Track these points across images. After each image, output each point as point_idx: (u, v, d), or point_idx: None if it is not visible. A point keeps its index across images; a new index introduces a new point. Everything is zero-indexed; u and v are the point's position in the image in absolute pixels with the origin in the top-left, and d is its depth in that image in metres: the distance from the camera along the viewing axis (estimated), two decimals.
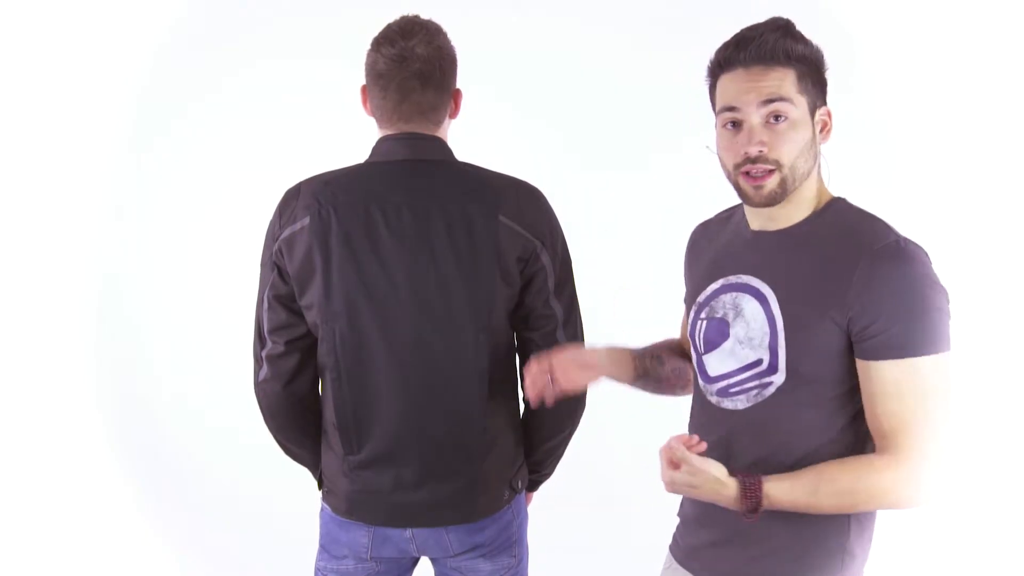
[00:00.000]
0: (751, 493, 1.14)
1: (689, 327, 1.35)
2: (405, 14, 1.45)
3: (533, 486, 1.68)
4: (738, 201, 1.29)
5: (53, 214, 2.82)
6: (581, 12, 2.81)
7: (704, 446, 1.16)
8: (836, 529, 1.22)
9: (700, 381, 1.32)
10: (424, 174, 1.41)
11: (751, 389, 1.23)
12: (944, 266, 2.84)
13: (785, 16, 1.23)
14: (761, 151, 1.16)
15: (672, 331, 1.57)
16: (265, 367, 1.48)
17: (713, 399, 1.29)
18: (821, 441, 1.20)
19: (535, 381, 1.32)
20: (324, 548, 1.59)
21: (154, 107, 2.87)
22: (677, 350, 1.50)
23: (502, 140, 2.49)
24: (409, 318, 1.39)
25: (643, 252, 2.76)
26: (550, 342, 1.47)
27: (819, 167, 1.23)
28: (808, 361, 1.17)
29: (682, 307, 1.51)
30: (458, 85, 1.48)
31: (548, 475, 1.67)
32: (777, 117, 1.16)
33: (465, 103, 1.50)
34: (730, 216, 1.40)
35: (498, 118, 2.60)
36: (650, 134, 2.76)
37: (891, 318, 1.11)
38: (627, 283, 2.71)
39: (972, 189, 2.74)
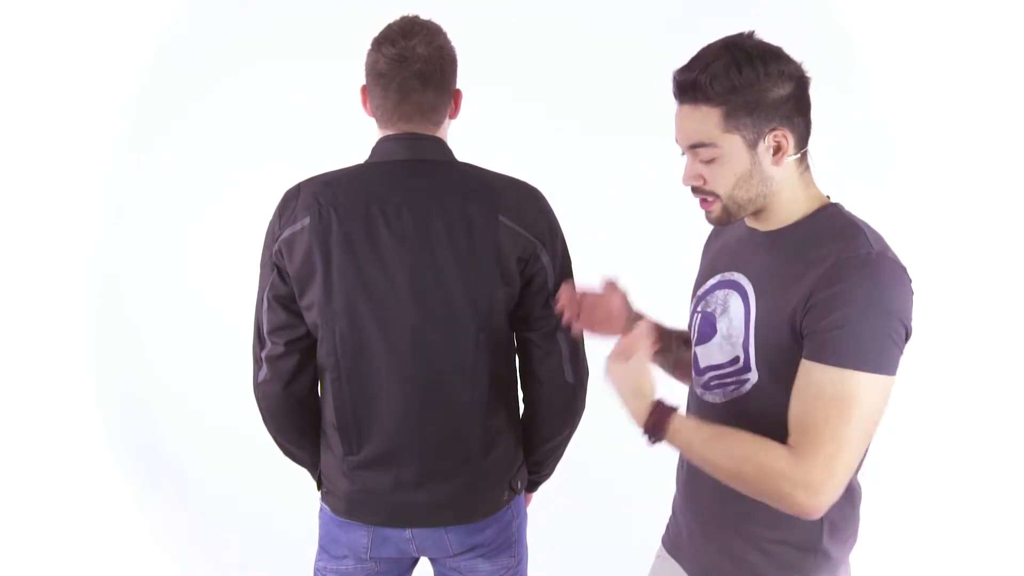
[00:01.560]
0: (659, 414, 1.17)
1: (689, 319, 1.37)
2: (405, 14, 1.45)
3: (533, 486, 1.68)
4: None
5: (53, 214, 2.82)
6: (581, 12, 2.81)
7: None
8: (807, 527, 1.22)
9: (692, 372, 1.35)
10: (424, 174, 1.40)
11: (729, 385, 1.25)
12: (944, 266, 2.87)
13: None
14: (696, 184, 1.20)
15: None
16: (265, 368, 1.48)
17: (699, 391, 1.33)
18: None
19: (567, 305, 1.41)
20: (324, 548, 1.59)
21: (154, 107, 2.87)
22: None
23: (502, 140, 2.50)
24: (409, 318, 1.39)
25: (643, 252, 2.76)
26: (550, 342, 1.47)
27: (801, 174, 1.21)
28: (774, 360, 1.18)
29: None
30: (458, 85, 1.48)
31: (548, 475, 1.67)
32: (706, 157, 1.17)
33: (465, 103, 1.50)
34: None
35: (498, 118, 2.60)
36: (650, 134, 2.76)
37: (835, 324, 1.09)
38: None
39: (972, 189, 2.74)
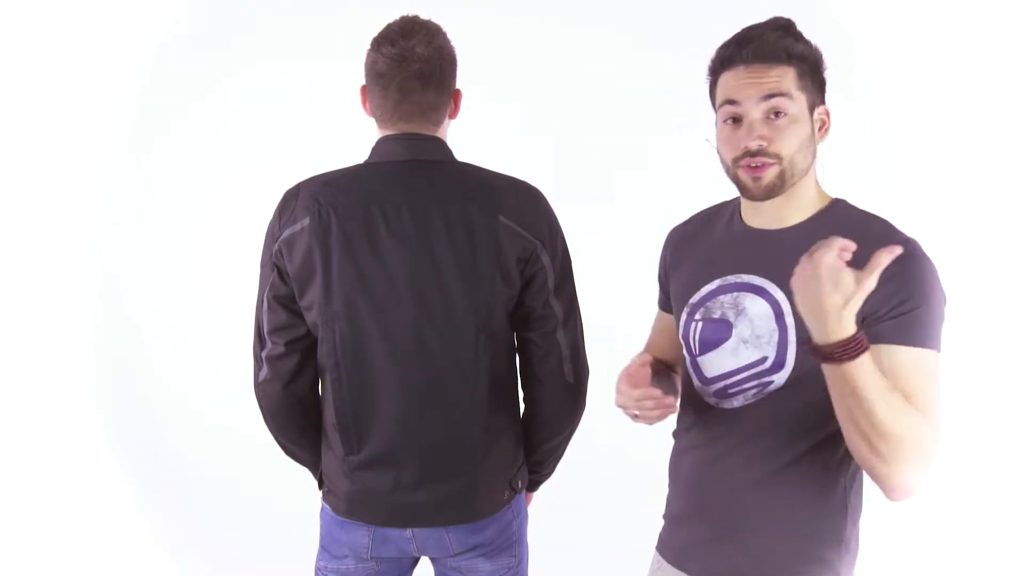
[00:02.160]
0: (858, 344, 1.05)
1: (682, 329, 1.34)
2: (405, 14, 1.45)
3: (533, 486, 1.68)
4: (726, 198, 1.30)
5: (53, 214, 2.82)
6: (581, 12, 2.81)
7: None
8: (834, 518, 1.22)
9: (695, 383, 1.32)
10: (424, 174, 1.40)
11: (750, 389, 1.23)
12: (943, 265, 2.84)
13: (786, 16, 1.24)
14: (761, 145, 1.18)
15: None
16: (265, 368, 1.48)
17: (711, 400, 1.29)
18: (817, 439, 1.20)
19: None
20: (324, 548, 1.59)
21: (154, 107, 2.87)
22: (664, 368, 1.49)
23: (502, 140, 2.49)
24: (409, 318, 1.39)
25: (643, 252, 2.75)
26: (550, 342, 1.47)
27: (815, 168, 1.25)
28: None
29: (653, 313, 1.52)
30: (458, 85, 1.47)
31: (548, 475, 1.67)
32: (777, 113, 1.19)
33: (465, 103, 1.50)
34: (712, 217, 1.40)
35: (498, 118, 2.60)
36: (651, 134, 2.76)
37: (910, 305, 1.12)
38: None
39: (972, 189, 2.74)
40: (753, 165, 1.19)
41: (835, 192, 1.32)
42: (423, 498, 1.46)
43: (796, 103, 1.18)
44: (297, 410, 1.51)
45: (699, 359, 1.30)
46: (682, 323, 1.34)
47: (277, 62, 2.82)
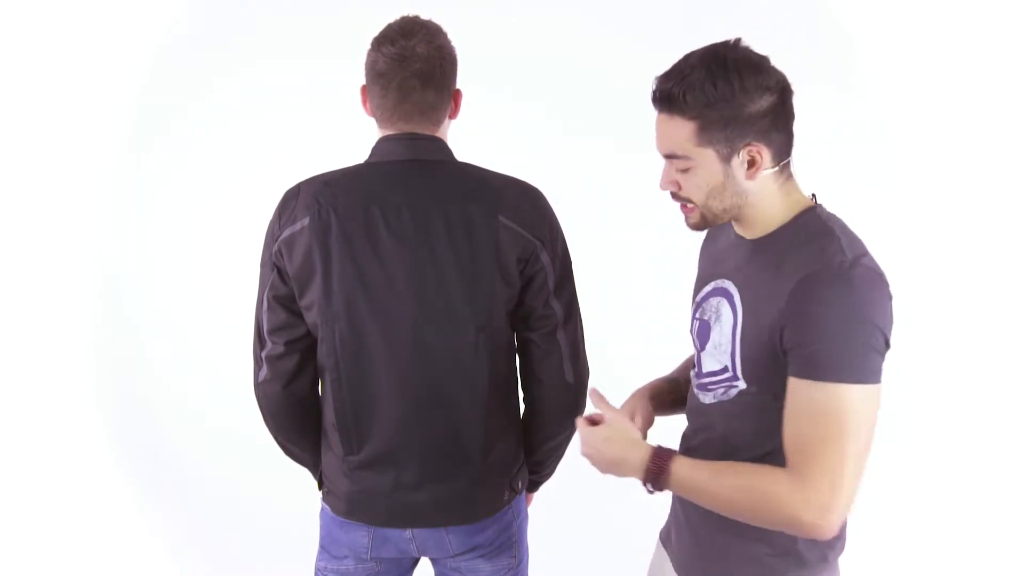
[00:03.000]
0: (660, 459, 1.16)
1: (690, 325, 1.37)
2: (405, 14, 1.45)
3: (533, 486, 1.68)
4: None
5: (53, 214, 2.82)
6: (581, 11, 2.81)
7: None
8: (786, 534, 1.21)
9: (693, 377, 1.36)
10: (424, 174, 1.40)
11: (719, 389, 1.26)
12: (944, 265, 2.86)
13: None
14: (671, 190, 1.22)
15: (671, 329, 1.57)
16: (265, 368, 1.48)
17: (696, 391, 1.33)
18: (769, 448, 1.19)
19: None
20: (324, 548, 1.59)
21: (154, 107, 2.87)
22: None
23: (502, 140, 2.50)
24: (409, 318, 1.39)
25: (643, 252, 2.76)
26: (550, 342, 1.47)
27: (781, 184, 1.21)
28: (759, 372, 1.18)
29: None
30: (458, 85, 1.48)
31: (548, 475, 1.67)
32: (680, 167, 1.18)
33: (465, 103, 1.50)
34: None
35: (498, 118, 2.60)
36: (650, 134, 2.76)
37: (814, 339, 1.08)
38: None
39: (972, 189, 2.74)
40: (680, 204, 1.23)
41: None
42: (423, 498, 1.46)
43: (695, 159, 1.16)
44: (297, 410, 1.51)
45: (698, 354, 1.33)
46: (690, 320, 1.37)
47: (277, 62, 2.82)
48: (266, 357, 1.47)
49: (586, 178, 2.79)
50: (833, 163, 2.77)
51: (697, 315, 1.33)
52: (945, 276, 2.78)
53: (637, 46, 2.74)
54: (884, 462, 2.86)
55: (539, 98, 2.81)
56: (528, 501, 1.69)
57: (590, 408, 1.32)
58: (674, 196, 1.22)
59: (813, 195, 1.26)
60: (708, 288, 1.31)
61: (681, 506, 1.37)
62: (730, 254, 1.30)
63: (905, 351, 3.02)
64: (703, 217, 1.21)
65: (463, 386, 1.42)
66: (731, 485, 1.14)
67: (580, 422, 1.24)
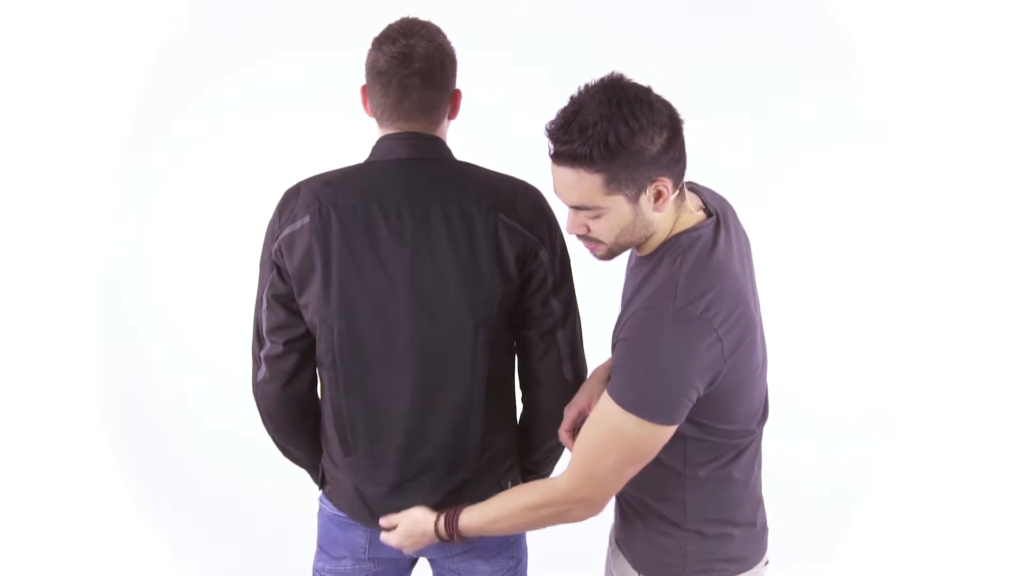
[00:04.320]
0: (448, 525, 1.38)
1: None
2: (406, 15, 1.45)
3: None
4: None
5: (53, 214, 2.83)
6: (583, 10, 2.81)
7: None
8: (671, 506, 1.36)
9: None
10: (424, 173, 1.41)
11: None
12: (943, 265, 2.85)
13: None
14: (579, 232, 1.26)
15: None
16: (263, 367, 1.48)
17: None
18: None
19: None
20: (322, 548, 1.59)
21: (154, 107, 2.88)
22: None
23: (502, 140, 2.50)
24: (408, 317, 1.39)
25: None
26: (549, 341, 1.47)
27: (676, 206, 1.26)
28: None
29: None
30: (457, 86, 1.48)
31: (548, 475, 1.66)
32: (590, 216, 1.22)
33: (465, 104, 1.50)
34: None
35: (498, 119, 2.61)
36: None
37: (619, 364, 1.21)
38: None
39: (972, 188, 2.74)
40: (583, 242, 1.29)
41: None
42: (423, 499, 1.46)
43: (605, 206, 1.20)
44: (295, 410, 1.51)
45: None
46: None
47: (277, 62, 2.83)
48: (265, 357, 1.47)
49: None
50: (833, 163, 2.78)
51: None
52: (945, 275, 2.78)
53: (637, 46, 2.74)
54: (884, 462, 2.87)
55: (540, 98, 2.80)
56: None
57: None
58: (582, 237, 1.28)
59: (706, 205, 1.31)
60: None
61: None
62: (631, 259, 1.41)
63: (905, 349, 3.03)
64: (611, 251, 1.28)
65: (462, 385, 1.42)
66: (509, 510, 1.34)
67: (386, 539, 1.45)
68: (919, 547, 2.66)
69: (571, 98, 1.19)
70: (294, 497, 2.20)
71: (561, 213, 1.57)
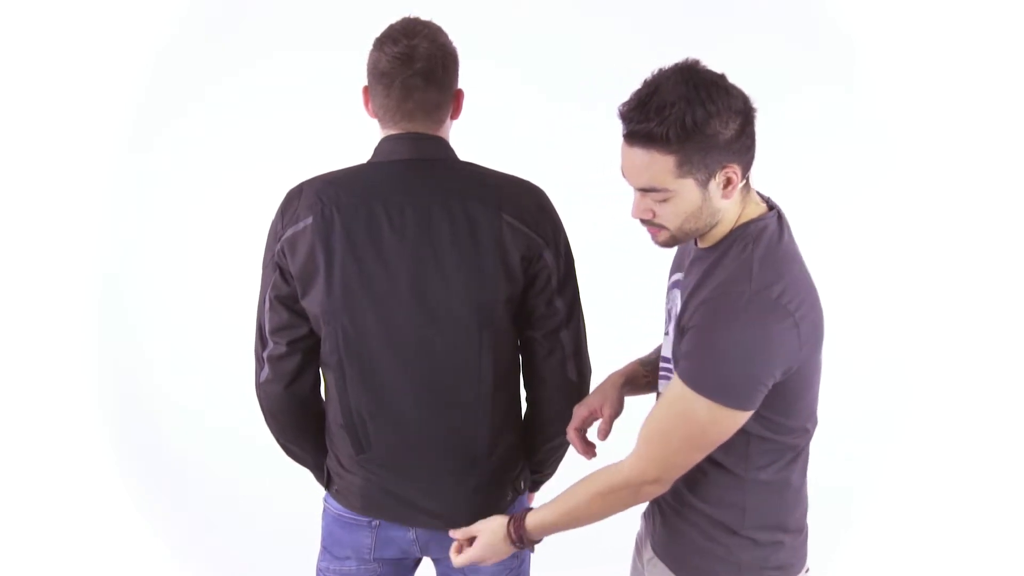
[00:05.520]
0: (513, 524, 1.35)
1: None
2: (407, 15, 1.45)
3: (535, 486, 1.68)
4: None
5: (54, 214, 2.82)
6: (581, 10, 2.82)
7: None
8: (725, 511, 1.32)
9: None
10: (427, 173, 1.41)
11: (667, 377, 1.33)
12: (943, 265, 2.85)
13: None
14: (645, 217, 1.24)
15: None
16: (266, 368, 1.48)
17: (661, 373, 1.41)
18: None
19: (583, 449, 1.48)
20: (326, 549, 1.59)
21: (154, 107, 2.87)
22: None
23: (503, 141, 2.50)
24: (412, 317, 1.39)
25: (645, 251, 2.76)
26: (553, 340, 1.47)
27: (743, 197, 1.25)
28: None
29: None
30: (459, 86, 1.48)
31: (550, 475, 1.67)
32: (658, 199, 1.20)
33: (466, 104, 1.50)
34: None
35: (499, 119, 2.60)
36: None
37: (688, 350, 1.20)
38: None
39: (972, 188, 2.74)
40: (646, 227, 1.27)
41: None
42: (427, 499, 1.46)
43: (675, 190, 1.18)
44: (299, 411, 1.51)
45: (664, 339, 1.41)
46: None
47: (277, 62, 2.83)
48: (268, 357, 1.47)
49: (587, 178, 2.79)
50: (833, 163, 2.78)
51: (666, 305, 1.40)
52: (944, 275, 2.79)
53: (637, 45, 2.74)
54: (883, 462, 2.87)
55: (540, 98, 2.81)
56: (529, 500, 1.70)
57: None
58: (644, 223, 1.25)
59: (766, 199, 1.31)
60: (672, 279, 1.39)
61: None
62: (689, 251, 1.36)
63: (905, 350, 3.03)
64: (673, 238, 1.26)
65: (467, 385, 1.42)
66: (582, 502, 1.31)
67: (453, 555, 1.41)
68: (919, 547, 2.66)
69: (645, 81, 1.18)
70: (294, 497, 2.20)
71: (572, 212, 1.57)
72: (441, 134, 1.45)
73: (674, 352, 1.27)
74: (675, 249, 1.46)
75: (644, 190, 1.20)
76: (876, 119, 2.73)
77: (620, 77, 2.81)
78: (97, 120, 2.83)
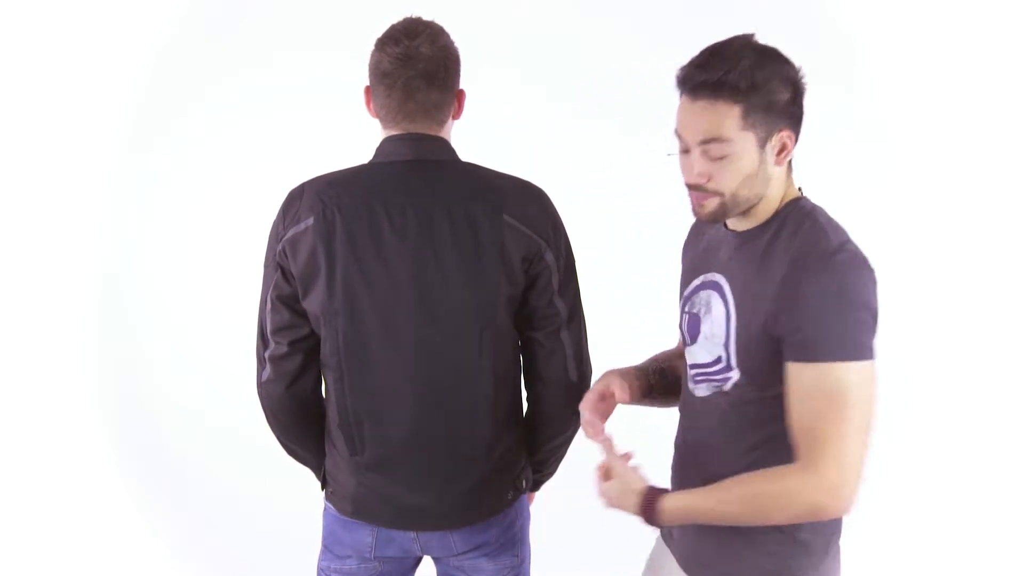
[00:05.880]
0: (648, 498, 1.23)
1: (678, 319, 1.40)
2: (408, 15, 1.45)
3: (536, 486, 1.68)
4: None
5: (54, 214, 2.82)
6: (581, 9, 2.82)
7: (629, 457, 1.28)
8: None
9: (686, 368, 1.38)
10: (428, 174, 1.41)
11: (715, 381, 1.28)
12: (943, 265, 2.85)
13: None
14: (700, 182, 1.20)
15: (674, 326, 1.58)
16: (268, 368, 1.48)
17: (689, 384, 1.35)
18: (771, 432, 1.23)
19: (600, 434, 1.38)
20: (327, 548, 1.59)
21: (154, 107, 2.87)
22: (678, 357, 1.52)
23: (504, 141, 2.50)
24: (413, 318, 1.39)
25: (646, 251, 2.76)
26: (554, 341, 1.47)
27: (788, 173, 1.26)
28: (752, 362, 1.21)
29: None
30: (461, 86, 1.48)
31: (551, 474, 1.67)
32: (717, 154, 1.18)
33: (469, 104, 1.50)
34: None
35: (501, 119, 2.61)
36: (651, 133, 2.76)
37: (806, 322, 1.13)
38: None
39: (972, 188, 2.75)
40: (697, 195, 1.23)
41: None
42: (429, 501, 1.46)
43: (737, 143, 1.17)
44: (300, 411, 1.51)
45: (688, 348, 1.35)
46: (678, 313, 1.40)
47: (278, 62, 2.83)
48: (269, 357, 1.47)
49: (588, 178, 2.79)
50: (833, 163, 2.78)
51: (686, 309, 1.36)
52: (944, 275, 2.79)
53: (637, 45, 2.75)
54: (884, 462, 2.87)
55: (541, 99, 2.81)
56: (530, 500, 1.70)
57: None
58: (696, 188, 1.22)
59: (799, 189, 1.30)
60: (696, 282, 1.34)
61: None
62: (719, 247, 1.33)
63: (904, 349, 3.03)
64: (723, 206, 1.22)
65: (467, 385, 1.42)
66: (739, 498, 1.18)
67: (597, 473, 1.31)
68: (919, 548, 2.66)
69: (705, 48, 1.20)
70: (294, 497, 2.20)
71: (573, 213, 1.57)
72: (443, 135, 1.45)
73: (745, 350, 1.21)
74: (679, 255, 1.45)
75: (706, 141, 1.18)
76: (876, 119, 2.73)
77: (620, 77, 2.85)
78: (97, 120, 2.83)
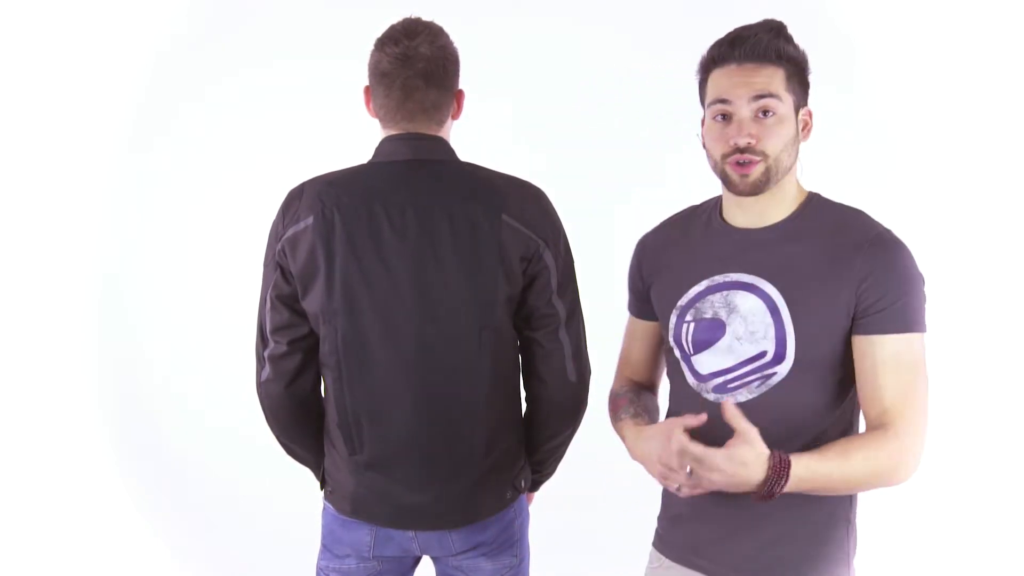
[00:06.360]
0: (782, 467, 1.11)
1: (672, 332, 1.36)
2: (408, 15, 1.45)
3: (535, 486, 1.68)
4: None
5: (54, 214, 2.82)
6: (582, 13, 2.81)
7: (703, 418, 1.18)
8: (840, 500, 1.29)
9: (691, 382, 1.34)
10: (427, 174, 1.41)
11: (752, 381, 1.27)
12: (943, 263, 2.84)
13: (782, 17, 1.30)
14: (750, 142, 1.24)
15: None
16: (267, 367, 1.48)
17: (710, 396, 1.31)
18: (825, 424, 1.26)
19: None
20: (326, 547, 1.59)
21: (154, 107, 2.87)
22: (644, 393, 1.50)
23: (504, 141, 2.50)
24: (412, 318, 1.39)
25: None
26: (553, 341, 1.47)
27: (797, 167, 1.32)
28: (817, 346, 1.24)
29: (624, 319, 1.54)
30: (460, 86, 1.48)
31: (550, 475, 1.67)
32: (766, 112, 1.24)
33: (467, 104, 1.50)
34: (686, 220, 1.44)
35: (500, 119, 2.61)
36: (651, 133, 2.77)
37: (895, 295, 1.20)
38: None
39: (972, 188, 2.74)
40: (741, 162, 1.25)
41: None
42: (427, 499, 1.46)
43: (784, 104, 1.25)
44: (299, 410, 1.51)
45: (693, 358, 1.33)
46: (672, 325, 1.37)
47: (277, 62, 2.83)
48: (268, 356, 1.47)
49: (588, 178, 2.79)
50: (833, 163, 2.78)
51: (688, 317, 1.33)
52: (945, 275, 2.78)
53: (636, 45, 2.75)
54: None
55: (541, 99, 2.81)
56: (529, 500, 1.70)
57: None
58: (743, 151, 1.25)
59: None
60: (699, 288, 1.33)
61: (724, 515, 1.32)
62: (728, 249, 1.32)
63: None
64: (767, 172, 1.25)
65: (466, 385, 1.42)
66: (857, 462, 1.17)
67: (684, 460, 1.15)
68: (919, 548, 2.66)
69: (731, 31, 1.28)
70: (294, 497, 2.20)
71: (572, 213, 1.57)
72: (442, 134, 1.45)
73: (808, 337, 1.22)
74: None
75: (759, 97, 1.23)
76: (876, 119, 2.73)
77: (620, 78, 2.85)
78: (97, 120, 2.83)
